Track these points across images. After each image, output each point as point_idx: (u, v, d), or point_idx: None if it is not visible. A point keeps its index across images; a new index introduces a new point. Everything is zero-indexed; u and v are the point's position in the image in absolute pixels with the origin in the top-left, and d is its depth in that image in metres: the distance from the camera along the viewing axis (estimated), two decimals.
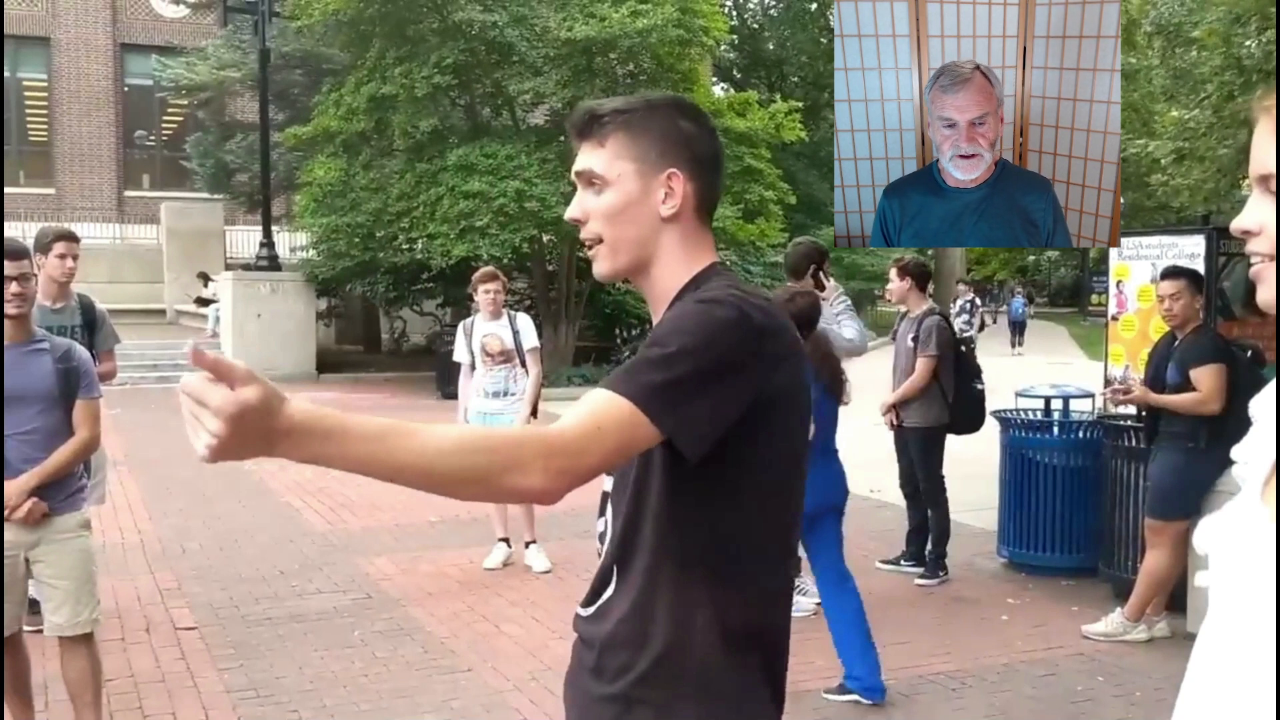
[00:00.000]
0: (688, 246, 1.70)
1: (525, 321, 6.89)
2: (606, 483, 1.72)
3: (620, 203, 1.67)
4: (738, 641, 1.60)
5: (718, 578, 1.58)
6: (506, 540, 6.96)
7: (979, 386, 6.79)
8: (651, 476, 1.59)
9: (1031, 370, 16.97)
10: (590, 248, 1.72)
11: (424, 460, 1.33)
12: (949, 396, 6.62)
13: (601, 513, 1.74)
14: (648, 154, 1.67)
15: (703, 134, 1.72)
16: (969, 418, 6.72)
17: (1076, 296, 46.74)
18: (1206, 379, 5.24)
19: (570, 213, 1.74)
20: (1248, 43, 9.83)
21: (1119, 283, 7.47)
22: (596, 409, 1.44)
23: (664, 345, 1.49)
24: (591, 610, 1.69)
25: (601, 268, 1.73)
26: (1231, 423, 5.23)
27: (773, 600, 1.68)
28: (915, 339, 6.61)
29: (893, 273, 6.96)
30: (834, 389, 5.02)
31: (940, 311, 6.94)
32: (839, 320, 5.90)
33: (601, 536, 1.74)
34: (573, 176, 1.74)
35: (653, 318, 1.76)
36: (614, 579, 1.66)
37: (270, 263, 20.21)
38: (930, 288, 7.05)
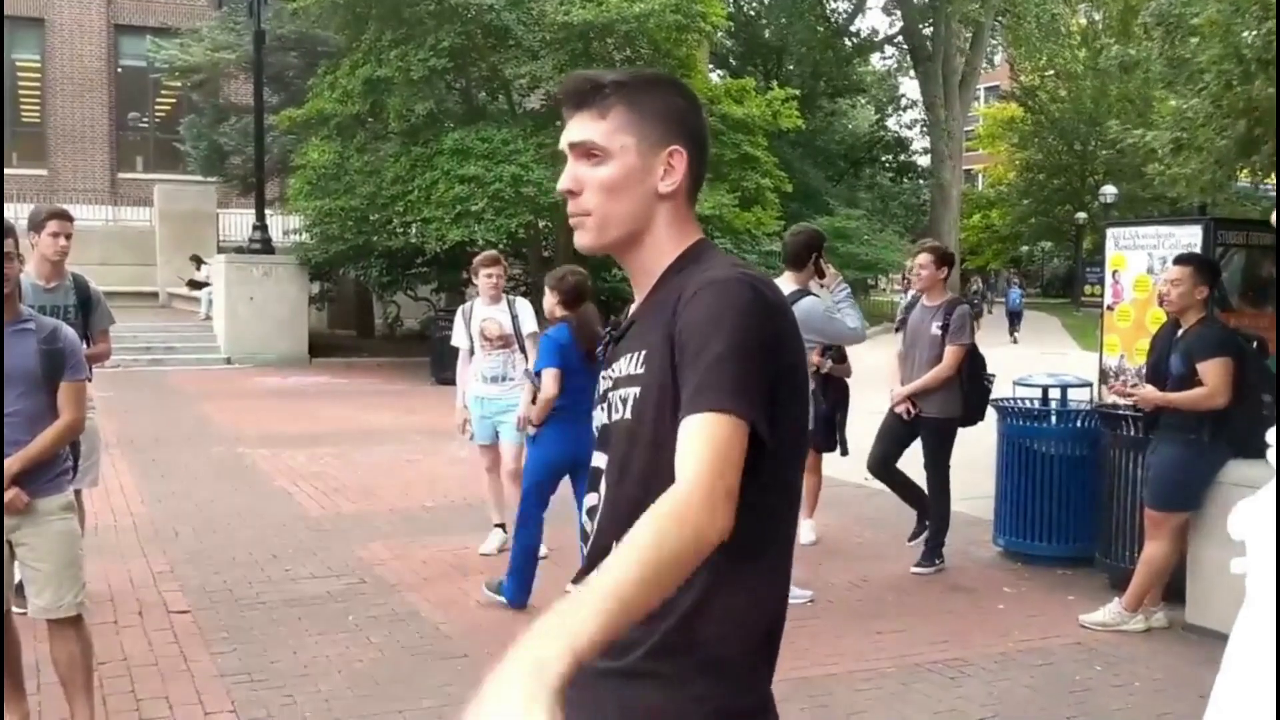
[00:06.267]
0: (677, 224, 1.70)
1: (524, 306, 6.84)
2: (598, 459, 1.71)
3: (620, 176, 1.65)
4: (747, 616, 1.59)
5: (731, 553, 1.55)
6: (502, 526, 6.92)
7: (989, 380, 6.73)
8: (663, 457, 1.55)
9: (1026, 361, 16.92)
10: (575, 219, 1.69)
11: (657, 588, 1.33)
12: (964, 388, 6.55)
13: (592, 488, 1.72)
14: (650, 129, 1.66)
15: (697, 113, 1.73)
16: (977, 409, 6.66)
17: (1069, 287, 46.82)
18: (1213, 373, 5.19)
19: (563, 184, 1.70)
20: (1245, 33, 9.78)
21: (1115, 273, 7.44)
22: (705, 435, 1.45)
23: (712, 342, 1.49)
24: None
25: (586, 240, 1.70)
26: (1236, 416, 5.21)
27: (780, 575, 1.67)
28: (944, 327, 6.48)
29: (927, 258, 6.68)
30: (592, 356, 5.12)
31: (967, 300, 6.85)
32: (840, 308, 5.86)
33: (591, 512, 1.72)
34: (564, 146, 1.70)
35: (635, 293, 1.75)
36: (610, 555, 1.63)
37: (263, 246, 20.13)
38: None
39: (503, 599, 5.72)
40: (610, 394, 1.69)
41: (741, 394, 1.47)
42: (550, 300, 5.68)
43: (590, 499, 1.73)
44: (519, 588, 5.70)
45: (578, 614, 1.26)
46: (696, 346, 1.51)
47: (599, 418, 1.73)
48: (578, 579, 1.69)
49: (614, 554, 1.35)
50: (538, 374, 5.64)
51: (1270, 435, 1.20)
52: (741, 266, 1.62)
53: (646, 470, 1.59)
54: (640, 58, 17.55)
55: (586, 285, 5.67)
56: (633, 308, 1.78)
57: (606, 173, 1.65)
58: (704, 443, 1.44)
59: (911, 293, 20.20)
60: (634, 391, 1.62)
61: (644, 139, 1.66)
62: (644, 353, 1.62)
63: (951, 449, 6.68)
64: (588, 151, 1.67)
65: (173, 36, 24.59)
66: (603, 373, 1.74)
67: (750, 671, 1.61)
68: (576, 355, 5.47)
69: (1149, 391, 5.46)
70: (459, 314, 6.95)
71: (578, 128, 1.68)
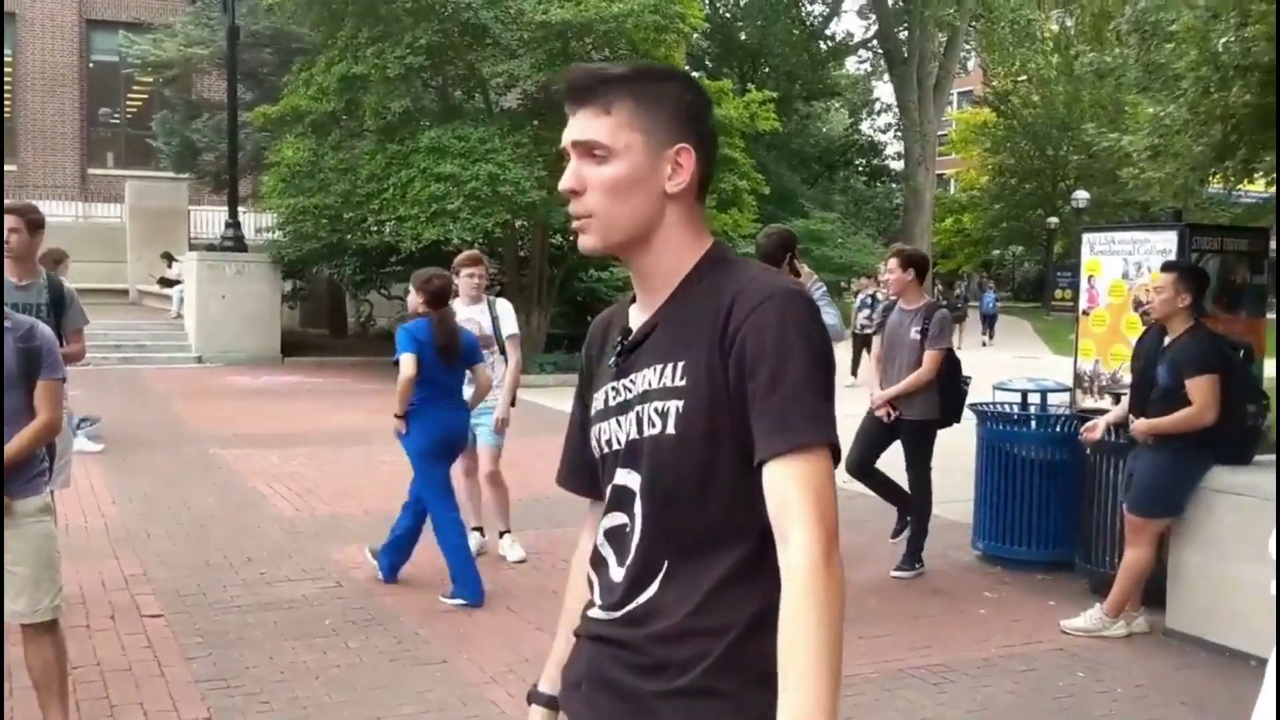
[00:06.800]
0: (688, 225, 1.63)
1: (505, 307, 6.74)
2: (622, 478, 1.62)
3: (625, 175, 1.57)
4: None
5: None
6: (480, 529, 6.86)
7: (965, 382, 6.75)
8: (717, 473, 1.53)
9: (999, 365, 17.03)
10: (579, 220, 1.61)
11: (837, 656, 1.40)
12: (942, 391, 6.57)
13: (616, 508, 1.64)
14: (657, 126, 1.58)
15: (706, 110, 1.65)
16: (954, 411, 6.69)
17: (1040, 291, 47.07)
18: (1201, 391, 5.17)
19: (565, 183, 1.60)
20: (1222, 40, 9.84)
21: (1090, 278, 7.47)
22: (804, 481, 1.45)
23: (787, 366, 1.48)
24: (623, 612, 1.60)
25: (591, 242, 1.61)
26: (1222, 426, 5.21)
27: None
28: (922, 331, 6.49)
29: (894, 263, 6.71)
30: (447, 352, 5.92)
31: (945, 305, 6.88)
32: (818, 306, 5.83)
33: (614, 532, 1.64)
34: (566, 145, 1.61)
35: (640, 296, 1.67)
36: (660, 575, 1.57)
37: (236, 243, 19.96)
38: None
39: (462, 601, 5.87)
40: (639, 407, 1.59)
41: (825, 421, 1.48)
42: (415, 299, 6.05)
43: (614, 519, 1.65)
44: (470, 587, 5.90)
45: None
46: (770, 371, 1.47)
47: (614, 431, 1.64)
48: (613, 607, 1.62)
49: (797, 653, 1.37)
50: (395, 361, 5.95)
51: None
52: (776, 274, 1.60)
53: (698, 489, 1.54)
54: (618, 58, 17.49)
55: (450, 288, 6.16)
56: (633, 311, 1.69)
57: (611, 172, 1.57)
58: (805, 491, 1.44)
59: (863, 295, 19.93)
60: (675, 405, 1.54)
61: (651, 136, 1.57)
62: (682, 364, 1.55)
63: (932, 450, 6.68)
64: (591, 150, 1.58)
65: (146, 32, 24.30)
66: (615, 382, 1.65)
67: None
68: (433, 349, 5.87)
69: (1140, 424, 5.41)
70: None
71: (580, 125, 1.59)
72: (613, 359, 1.68)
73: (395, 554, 6.21)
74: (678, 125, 1.59)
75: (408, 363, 5.82)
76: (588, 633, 1.67)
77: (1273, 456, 5.49)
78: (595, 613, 1.66)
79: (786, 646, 1.37)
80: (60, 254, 10.74)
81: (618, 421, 1.63)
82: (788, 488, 1.44)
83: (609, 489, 1.66)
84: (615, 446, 1.64)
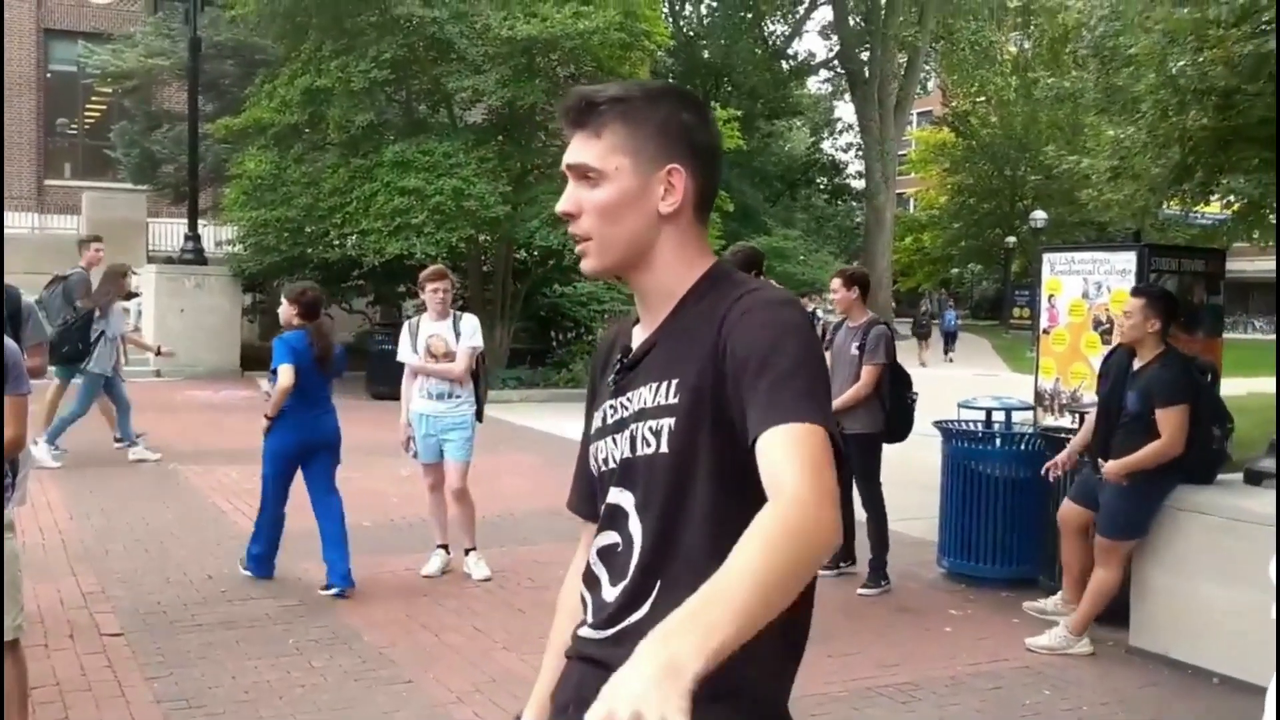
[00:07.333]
0: (687, 245, 1.63)
1: (471, 322, 6.67)
2: (615, 496, 1.62)
3: (616, 198, 1.58)
4: (787, 640, 1.55)
5: None
6: (445, 547, 6.81)
7: (912, 398, 6.84)
8: (695, 484, 1.52)
9: (960, 382, 17.15)
10: (579, 243, 1.63)
11: (783, 596, 1.23)
12: (886, 405, 6.66)
13: (610, 527, 1.63)
14: (646, 147, 1.58)
15: (704, 126, 1.64)
16: (901, 426, 6.77)
17: (998, 309, 47.54)
18: (1171, 421, 5.22)
19: (562, 206, 1.63)
20: (1179, 64, 9.98)
21: (1051, 297, 7.54)
22: (795, 442, 1.37)
23: (777, 359, 1.44)
24: (613, 631, 1.58)
25: (590, 265, 1.63)
26: (1189, 449, 5.27)
27: (809, 604, 1.61)
28: (861, 347, 6.61)
29: (837, 282, 6.90)
30: (323, 362, 6.34)
31: (884, 321, 6.97)
32: None
33: (606, 551, 1.63)
34: (564, 168, 1.64)
35: (641, 315, 1.67)
36: (653, 596, 1.55)
37: (195, 256, 19.76)
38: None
39: (250, 573, 6.50)
40: (633, 425, 1.59)
41: (816, 404, 1.42)
42: (289, 311, 6.38)
43: (606, 538, 1.64)
44: (263, 563, 6.53)
45: (707, 615, 1.15)
46: (759, 364, 1.45)
47: (609, 449, 1.64)
48: (602, 625, 1.60)
49: (736, 560, 1.22)
50: (274, 371, 6.26)
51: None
52: (774, 287, 1.61)
53: (692, 508, 1.53)
54: (584, 74, 17.49)
55: (321, 299, 6.62)
56: (636, 330, 1.69)
57: (601, 196, 1.58)
58: (796, 448, 1.36)
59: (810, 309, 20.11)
60: (668, 423, 1.54)
61: (640, 158, 1.58)
62: (675, 381, 1.55)
63: (879, 464, 6.77)
64: (584, 173, 1.60)
65: (105, 42, 24.07)
66: (613, 400, 1.65)
67: (782, 694, 1.59)
68: (309, 357, 6.25)
69: (1111, 467, 5.43)
70: (405, 328, 6.78)
71: (574, 149, 1.61)
72: (611, 377, 1.68)
73: (338, 562, 6.30)
74: (669, 145, 1.59)
75: (287, 373, 6.14)
76: (577, 653, 1.65)
77: (1237, 476, 5.56)
78: (585, 631, 1.64)
79: (731, 559, 1.23)
80: (125, 268, 10.72)
81: (613, 440, 1.63)
82: (781, 446, 1.37)
83: (603, 507, 1.65)
84: (610, 465, 1.64)
